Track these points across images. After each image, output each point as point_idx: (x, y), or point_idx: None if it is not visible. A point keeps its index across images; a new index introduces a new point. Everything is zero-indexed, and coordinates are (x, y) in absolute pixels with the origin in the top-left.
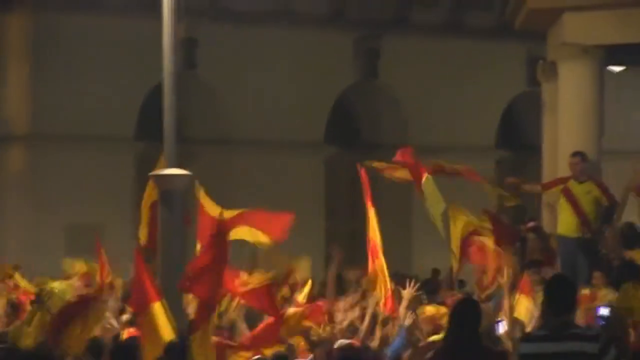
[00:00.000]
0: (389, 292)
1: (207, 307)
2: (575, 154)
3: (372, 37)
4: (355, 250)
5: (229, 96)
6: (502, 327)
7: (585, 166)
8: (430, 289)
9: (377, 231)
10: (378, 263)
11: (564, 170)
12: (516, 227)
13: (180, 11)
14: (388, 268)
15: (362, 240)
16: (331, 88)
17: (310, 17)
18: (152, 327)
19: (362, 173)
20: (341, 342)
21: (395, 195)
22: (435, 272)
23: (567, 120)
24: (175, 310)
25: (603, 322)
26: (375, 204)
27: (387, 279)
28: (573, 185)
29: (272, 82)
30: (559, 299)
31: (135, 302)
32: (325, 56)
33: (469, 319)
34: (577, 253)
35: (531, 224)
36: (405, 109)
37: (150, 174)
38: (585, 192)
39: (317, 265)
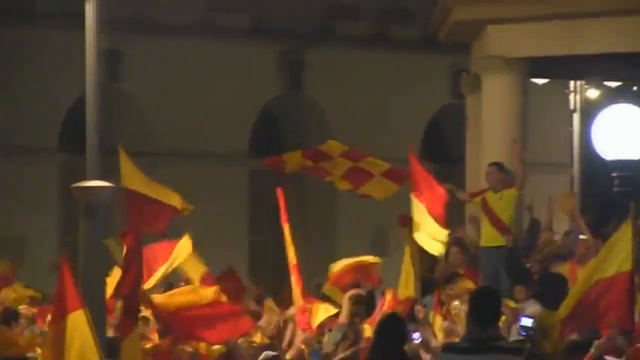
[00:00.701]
0: (302, 308)
1: (129, 312)
2: (492, 164)
3: (296, 49)
4: (279, 261)
5: (152, 108)
6: (417, 337)
7: (501, 176)
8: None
9: (292, 248)
10: (293, 279)
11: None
12: None
13: (103, 23)
14: (313, 277)
15: (286, 252)
16: (255, 100)
17: (235, 29)
18: (64, 337)
19: (279, 192)
20: (266, 353)
21: (320, 207)
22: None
23: (490, 133)
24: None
25: (524, 333)
26: (299, 218)
27: (299, 294)
28: (489, 195)
29: (196, 94)
30: (482, 311)
31: (55, 311)
32: (250, 68)
33: (394, 334)
34: (499, 264)
35: (452, 236)
36: (330, 120)
37: (73, 185)
38: (497, 200)
39: (240, 274)
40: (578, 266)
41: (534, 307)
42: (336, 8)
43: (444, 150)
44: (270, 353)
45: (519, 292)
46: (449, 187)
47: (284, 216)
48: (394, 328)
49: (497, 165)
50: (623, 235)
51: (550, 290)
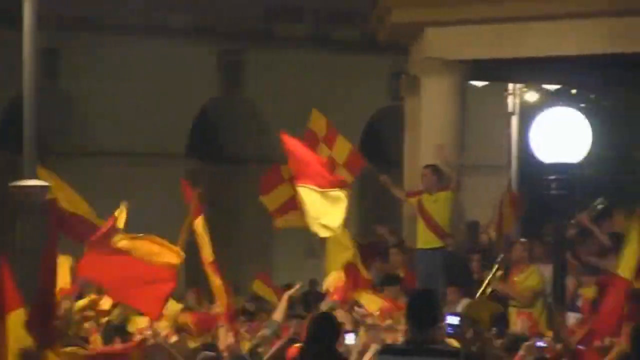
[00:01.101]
0: (225, 306)
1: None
2: (427, 166)
3: (235, 51)
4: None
5: (91, 107)
6: (350, 338)
7: (435, 178)
8: (309, 300)
9: (207, 245)
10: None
11: None
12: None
13: (42, 21)
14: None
15: (219, 251)
16: (194, 100)
17: (174, 30)
18: (4, 335)
19: (186, 187)
20: (205, 354)
21: (255, 209)
22: (313, 282)
23: (428, 135)
24: None
25: (452, 331)
26: (234, 220)
27: (223, 291)
28: (425, 198)
29: (134, 94)
30: (420, 314)
31: None
32: (189, 69)
33: (325, 333)
34: (436, 266)
35: (392, 239)
36: (268, 121)
37: (11, 184)
38: (432, 202)
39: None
40: (514, 269)
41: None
42: (276, 9)
43: (382, 152)
44: (209, 353)
45: (452, 293)
46: (383, 179)
47: (195, 211)
48: (327, 327)
49: (432, 168)
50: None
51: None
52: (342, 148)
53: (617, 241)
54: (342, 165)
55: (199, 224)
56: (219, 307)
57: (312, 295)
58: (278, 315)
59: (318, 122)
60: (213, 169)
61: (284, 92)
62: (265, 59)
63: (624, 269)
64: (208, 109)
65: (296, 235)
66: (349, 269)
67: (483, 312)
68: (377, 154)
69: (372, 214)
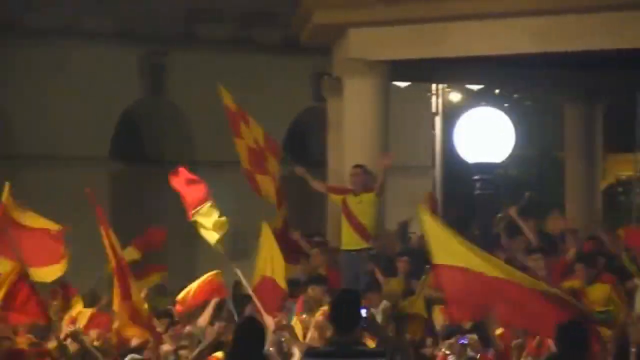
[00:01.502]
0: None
1: None
2: (357, 166)
3: (158, 53)
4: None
5: (13, 111)
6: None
7: (364, 179)
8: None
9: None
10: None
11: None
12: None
13: None
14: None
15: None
16: (117, 103)
17: (96, 32)
18: None
19: (88, 193)
20: (132, 356)
21: (179, 212)
22: (236, 285)
23: (352, 136)
24: None
25: (364, 325)
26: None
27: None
28: (350, 198)
29: (57, 97)
30: (344, 316)
31: None
32: (111, 71)
33: (253, 337)
34: (360, 268)
35: (316, 239)
36: (192, 124)
37: None
38: (357, 203)
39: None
40: None
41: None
42: (198, 11)
43: (306, 153)
44: (136, 356)
45: (374, 295)
46: (300, 171)
47: (101, 219)
48: (254, 332)
49: (362, 168)
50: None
51: None
52: (258, 129)
53: (548, 241)
54: (266, 149)
55: (105, 231)
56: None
57: (236, 299)
58: (203, 320)
59: (227, 98)
60: (137, 172)
61: (207, 93)
62: (188, 61)
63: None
64: (131, 111)
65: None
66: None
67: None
68: (302, 155)
69: (295, 215)
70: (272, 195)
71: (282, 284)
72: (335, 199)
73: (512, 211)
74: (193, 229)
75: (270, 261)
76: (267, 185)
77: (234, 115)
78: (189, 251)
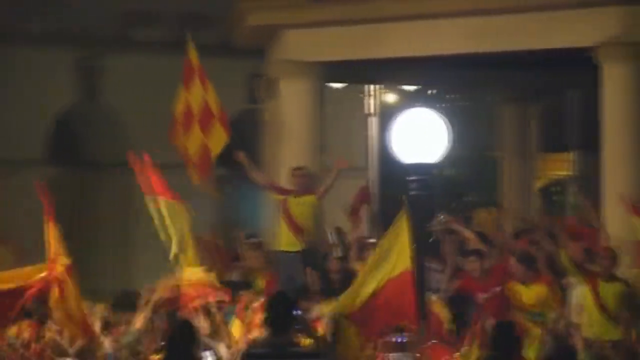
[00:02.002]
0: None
1: None
2: (297, 167)
3: (93, 56)
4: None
5: None
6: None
7: (306, 180)
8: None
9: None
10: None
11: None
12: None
13: None
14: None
15: (79, 257)
16: (52, 106)
17: (31, 35)
18: None
19: (38, 187)
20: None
21: (114, 214)
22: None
23: (288, 137)
24: None
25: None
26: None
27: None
28: (290, 200)
29: None
30: (278, 317)
31: None
32: (46, 74)
33: (186, 338)
34: (297, 269)
35: (252, 240)
36: (127, 127)
37: None
38: (297, 205)
39: None
40: None
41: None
42: (133, 14)
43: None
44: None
45: (309, 297)
46: (241, 158)
47: (48, 212)
48: (187, 334)
49: (304, 170)
50: (401, 232)
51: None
52: (215, 97)
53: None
54: (217, 118)
55: (51, 226)
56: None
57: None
58: (139, 323)
59: (193, 54)
60: (72, 175)
61: (143, 97)
62: (123, 64)
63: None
64: (66, 114)
65: (157, 240)
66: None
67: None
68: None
69: (232, 215)
70: (194, 153)
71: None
72: (275, 197)
73: (455, 225)
74: (127, 232)
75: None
76: (194, 144)
77: (193, 71)
78: (123, 253)
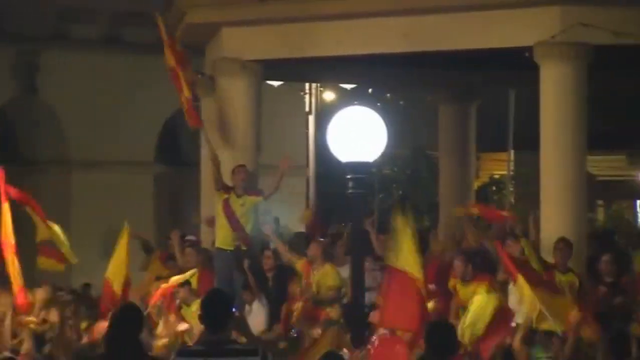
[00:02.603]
0: (20, 290)
1: None
2: (242, 165)
3: (30, 52)
4: None
5: None
6: None
7: (245, 179)
8: (85, 303)
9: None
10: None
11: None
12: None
13: None
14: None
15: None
16: None
17: None
18: None
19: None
20: (3, 354)
21: (51, 210)
22: (87, 286)
23: (226, 136)
24: None
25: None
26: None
27: (18, 276)
28: (232, 198)
29: None
30: (213, 315)
31: None
32: None
33: (130, 323)
34: (234, 266)
35: (188, 238)
36: (64, 124)
37: None
38: (240, 205)
39: None
40: (310, 266)
41: (260, 309)
42: (70, 11)
43: (178, 154)
44: (7, 354)
45: (246, 295)
46: (215, 157)
47: (3, 196)
48: (130, 317)
49: (245, 167)
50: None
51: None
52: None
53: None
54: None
55: (5, 208)
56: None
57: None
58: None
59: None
60: (10, 172)
61: (80, 93)
62: (61, 60)
63: (410, 266)
64: (4, 111)
65: (92, 236)
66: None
67: None
68: (174, 155)
69: (168, 215)
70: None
71: (118, 288)
72: (219, 196)
73: (368, 224)
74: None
75: (115, 266)
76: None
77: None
78: None
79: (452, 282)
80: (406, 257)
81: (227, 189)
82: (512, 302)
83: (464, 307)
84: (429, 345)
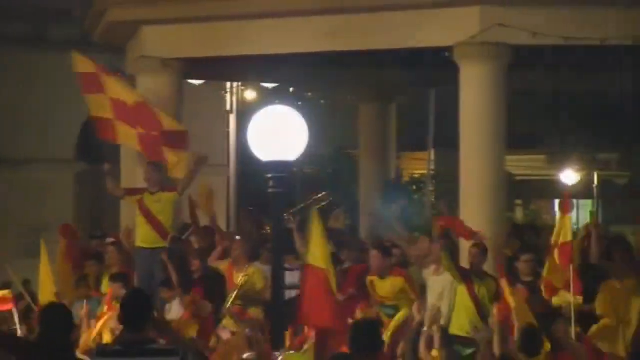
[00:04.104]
0: None
1: None
2: (150, 164)
3: None
4: None
5: None
6: None
7: (158, 177)
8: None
9: None
10: None
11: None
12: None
13: None
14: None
15: None
16: None
17: None
18: None
19: None
20: None
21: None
22: (26, 282)
23: None
24: None
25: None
26: None
27: None
28: (147, 197)
29: None
30: (133, 314)
31: None
32: None
33: (60, 323)
34: (154, 265)
35: (109, 239)
36: None
37: None
38: (155, 202)
39: None
40: (233, 267)
41: (178, 306)
42: None
43: (99, 152)
44: None
45: (164, 292)
46: (107, 167)
47: None
48: (60, 317)
49: (155, 166)
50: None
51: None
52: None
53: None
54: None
55: None
56: None
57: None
58: None
59: (82, 64)
60: None
61: (6, 91)
62: None
63: (318, 260)
64: None
65: (15, 234)
66: None
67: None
68: (94, 153)
69: (90, 213)
70: (135, 144)
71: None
72: (130, 200)
73: (290, 223)
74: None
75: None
76: (129, 137)
77: (93, 75)
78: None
79: (368, 280)
80: (314, 251)
81: (133, 192)
82: (431, 297)
83: (379, 303)
84: (354, 344)
